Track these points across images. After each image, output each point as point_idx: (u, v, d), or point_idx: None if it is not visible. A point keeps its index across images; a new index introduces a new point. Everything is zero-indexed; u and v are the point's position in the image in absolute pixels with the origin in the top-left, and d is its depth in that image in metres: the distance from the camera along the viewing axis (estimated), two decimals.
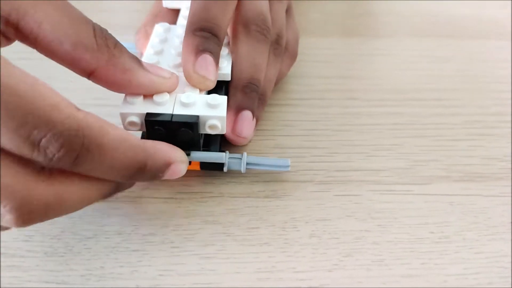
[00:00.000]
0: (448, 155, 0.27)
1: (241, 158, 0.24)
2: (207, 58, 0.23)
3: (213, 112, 0.22)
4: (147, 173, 0.20)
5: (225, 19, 0.25)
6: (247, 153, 0.26)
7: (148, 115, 0.22)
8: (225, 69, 0.26)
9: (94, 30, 0.20)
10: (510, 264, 0.22)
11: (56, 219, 0.23)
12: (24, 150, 0.16)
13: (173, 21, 0.30)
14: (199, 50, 0.23)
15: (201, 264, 0.22)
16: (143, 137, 0.24)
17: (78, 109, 0.17)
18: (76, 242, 0.22)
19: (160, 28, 0.28)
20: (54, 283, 0.21)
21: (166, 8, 0.31)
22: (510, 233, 0.23)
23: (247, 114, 0.25)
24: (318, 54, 0.34)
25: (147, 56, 0.25)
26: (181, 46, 0.25)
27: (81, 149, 0.17)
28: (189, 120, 0.22)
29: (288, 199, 0.24)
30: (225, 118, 0.22)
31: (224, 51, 0.26)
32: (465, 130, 0.29)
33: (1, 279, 0.21)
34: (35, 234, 0.22)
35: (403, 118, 0.29)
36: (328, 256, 0.22)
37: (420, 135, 0.28)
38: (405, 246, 0.22)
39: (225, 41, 0.28)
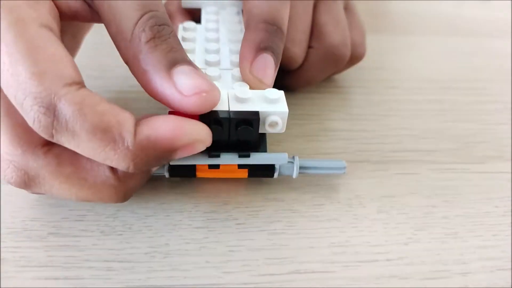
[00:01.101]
0: (495, 137, 0.27)
1: (293, 162, 0.22)
2: (267, 58, 0.21)
3: (273, 107, 0.20)
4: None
5: (287, 14, 0.23)
6: (296, 138, 0.26)
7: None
8: None
9: (140, 18, 0.17)
10: None
11: None
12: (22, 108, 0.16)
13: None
14: (260, 48, 0.21)
15: (271, 240, 0.20)
16: None
17: (70, 85, 0.16)
18: (135, 220, 0.21)
19: (186, 27, 0.26)
20: (115, 261, 0.19)
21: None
22: None
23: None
24: None
25: None
26: (213, 45, 0.24)
27: (52, 127, 0.16)
28: (249, 117, 0.19)
29: (348, 178, 0.24)
30: (287, 114, 0.20)
31: None
32: (506, 115, 0.29)
33: (54, 259, 0.19)
34: (87, 214, 0.21)
35: (444, 104, 0.29)
36: (401, 230, 0.21)
37: (465, 120, 0.28)
38: (475, 220, 0.22)
39: None
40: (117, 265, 0.19)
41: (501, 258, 0.20)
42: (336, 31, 0.26)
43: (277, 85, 0.21)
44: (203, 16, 0.28)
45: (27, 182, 0.18)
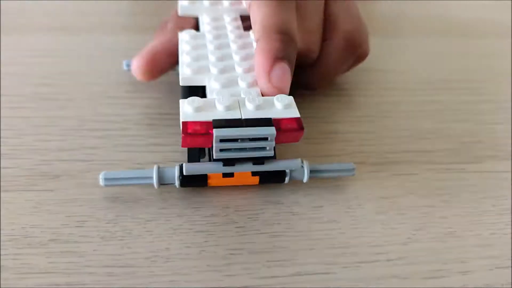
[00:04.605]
0: (490, 137, 0.27)
1: (303, 166, 0.22)
2: (285, 68, 0.21)
3: (285, 113, 0.20)
4: None
5: (296, 23, 0.23)
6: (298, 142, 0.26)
7: (216, 122, 0.19)
8: None
9: None
10: None
11: (108, 203, 0.21)
12: None
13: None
14: (277, 58, 0.21)
15: (271, 242, 0.21)
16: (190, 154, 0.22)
17: None
18: (135, 225, 0.21)
19: (187, 35, 0.26)
20: (116, 266, 0.19)
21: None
22: None
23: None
24: None
25: (188, 64, 0.23)
26: (217, 52, 0.24)
27: None
28: (262, 124, 0.19)
29: (346, 180, 0.24)
30: (301, 119, 0.20)
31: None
32: (501, 115, 0.29)
33: (55, 265, 0.19)
34: (88, 220, 0.21)
35: (440, 105, 0.30)
36: (400, 230, 0.21)
37: (461, 120, 0.29)
38: (473, 219, 0.22)
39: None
40: (118, 270, 0.19)
41: (500, 256, 0.21)
42: (348, 19, 0.26)
43: (298, 84, 0.22)
44: (202, 24, 0.28)
45: None
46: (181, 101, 0.20)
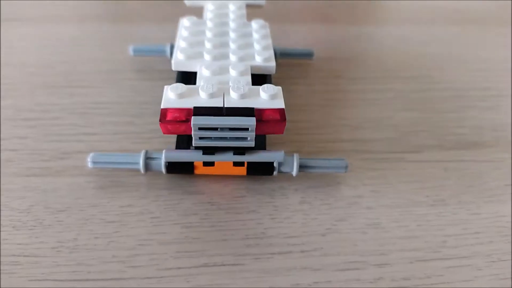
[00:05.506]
0: (438, 126, 0.26)
1: (292, 158, 0.21)
2: None
3: (270, 104, 0.19)
4: None
5: None
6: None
7: (196, 109, 0.19)
8: (268, 60, 0.23)
9: None
10: (510, 223, 0.21)
11: (25, 193, 0.21)
12: None
13: None
14: None
15: (184, 233, 0.20)
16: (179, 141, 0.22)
17: None
18: (47, 215, 0.20)
19: (187, 21, 0.26)
20: (21, 256, 0.19)
21: None
22: (509, 195, 0.22)
23: None
24: (299, 39, 0.34)
25: (182, 49, 0.23)
26: (214, 39, 0.24)
27: None
28: (243, 113, 0.19)
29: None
30: (284, 111, 0.19)
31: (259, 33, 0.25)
32: (453, 103, 0.28)
33: None
34: (3, 209, 0.21)
35: (390, 93, 0.29)
36: (321, 221, 0.21)
37: (409, 109, 0.27)
38: (402, 210, 0.21)
39: (256, 26, 0.26)
40: (22, 260, 0.19)
41: (423, 249, 0.20)
42: None
43: None
44: (206, 11, 0.28)
45: None
46: (165, 87, 0.20)
